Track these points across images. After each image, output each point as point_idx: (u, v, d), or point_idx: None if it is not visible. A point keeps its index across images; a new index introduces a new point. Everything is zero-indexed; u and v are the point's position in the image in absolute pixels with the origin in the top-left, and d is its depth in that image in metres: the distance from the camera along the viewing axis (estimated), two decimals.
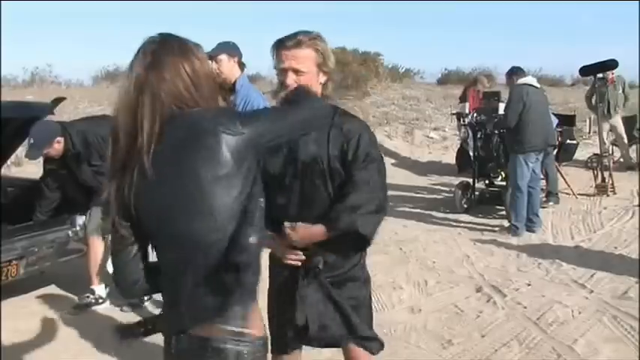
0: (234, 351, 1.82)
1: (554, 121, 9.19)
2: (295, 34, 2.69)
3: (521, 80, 7.82)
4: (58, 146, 5.16)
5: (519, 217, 7.68)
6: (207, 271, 1.78)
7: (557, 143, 7.99)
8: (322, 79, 2.74)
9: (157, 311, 5.04)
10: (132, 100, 1.81)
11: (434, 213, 8.94)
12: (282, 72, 2.67)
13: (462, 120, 9.89)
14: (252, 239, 1.80)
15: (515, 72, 7.98)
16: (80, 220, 5.57)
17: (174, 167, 1.77)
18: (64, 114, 12.50)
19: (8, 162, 6.81)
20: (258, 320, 1.91)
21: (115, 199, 1.83)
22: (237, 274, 1.77)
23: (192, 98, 1.84)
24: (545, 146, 7.83)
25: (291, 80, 2.64)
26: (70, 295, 5.69)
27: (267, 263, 2.86)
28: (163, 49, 1.85)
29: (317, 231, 2.67)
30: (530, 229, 7.74)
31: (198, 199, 1.75)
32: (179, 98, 1.82)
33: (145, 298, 5.25)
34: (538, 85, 7.95)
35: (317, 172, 2.73)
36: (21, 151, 8.41)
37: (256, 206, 1.84)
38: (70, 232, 5.52)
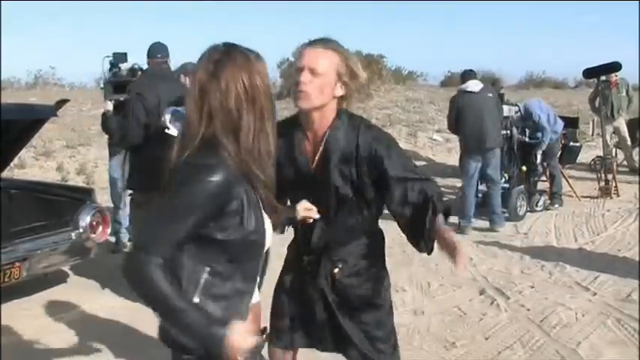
0: None
1: (559, 123, 9.19)
2: (326, 39, 2.62)
3: (461, 87, 8.24)
4: None
5: (464, 215, 8.03)
6: None
7: (496, 146, 7.99)
8: (339, 91, 2.60)
9: None
10: (196, 104, 1.90)
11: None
12: (298, 70, 2.56)
13: None
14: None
15: (462, 76, 8.41)
16: (83, 221, 5.57)
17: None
18: (67, 116, 12.56)
19: (11, 164, 6.81)
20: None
21: None
22: None
23: (236, 119, 1.89)
24: (478, 149, 7.96)
25: (305, 78, 2.52)
26: (73, 297, 5.69)
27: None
28: (226, 59, 1.90)
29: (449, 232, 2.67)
30: (491, 228, 8.03)
31: None
32: (226, 114, 1.88)
33: None
34: (477, 89, 7.98)
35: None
36: (23, 152, 8.45)
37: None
38: (73, 235, 5.52)
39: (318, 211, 2.67)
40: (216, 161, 1.85)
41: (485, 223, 8.26)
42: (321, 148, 2.65)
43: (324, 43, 2.59)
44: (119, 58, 6.25)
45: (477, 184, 8.36)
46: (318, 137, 2.66)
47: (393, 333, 2.92)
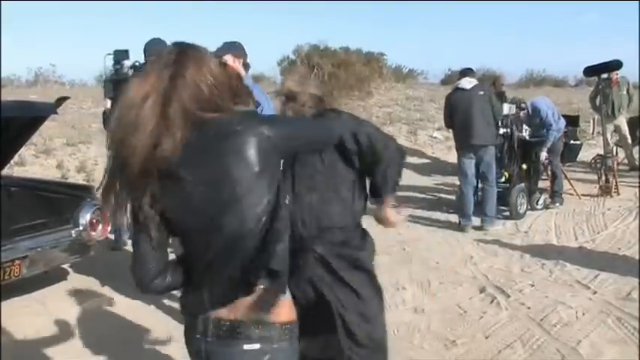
0: (256, 335, 1.89)
1: (562, 121, 9.20)
2: None
3: (456, 84, 8.37)
4: None
5: (463, 214, 8.08)
6: (235, 260, 1.87)
7: (487, 144, 8.01)
8: None
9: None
10: (156, 111, 1.83)
11: (437, 213, 8.92)
12: None
13: None
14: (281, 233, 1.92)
15: (459, 73, 8.53)
16: (83, 219, 5.56)
17: (206, 169, 1.85)
18: (67, 114, 12.55)
19: (11, 162, 6.81)
20: (286, 307, 1.96)
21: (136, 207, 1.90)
22: (266, 262, 1.88)
23: (216, 100, 1.90)
24: (469, 146, 8.01)
25: None
26: (73, 295, 5.69)
27: None
28: (184, 58, 1.90)
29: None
30: (481, 228, 8.04)
31: (231, 196, 1.84)
32: (205, 101, 1.88)
33: None
34: (468, 87, 8.03)
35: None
36: (24, 150, 8.44)
37: (281, 203, 1.93)
38: (73, 232, 5.51)
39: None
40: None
41: (500, 227, 8.22)
42: None
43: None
44: (121, 55, 6.24)
45: (477, 183, 8.36)
46: None
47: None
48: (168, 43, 2.02)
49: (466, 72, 8.37)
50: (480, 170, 8.14)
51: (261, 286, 1.89)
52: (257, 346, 1.88)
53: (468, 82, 8.08)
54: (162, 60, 1.91)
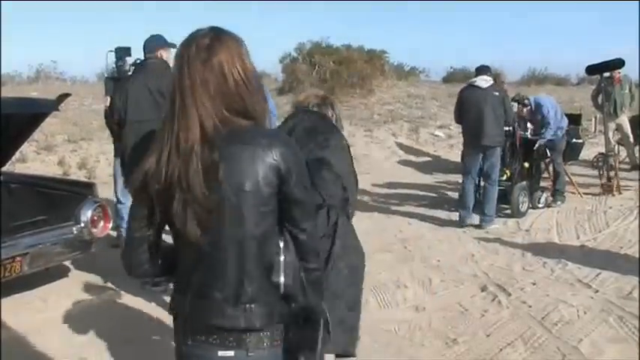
0: (231, 342, 1.87)
1: (565, 120, 9.19)
2: None
3: (471, 81, 8.34)
4: None
5: (464, 207, 8.14)
6: (222, 279, 1.86)
7: (495, 145, 8.00)
8: None
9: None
10: (187, 97, 1.82)
11: (439, 211, 8.91)
12: None
13: None
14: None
15: (476, 70, 8.42)
16: (85, 216, 5.56)
17: (221, 174, 1.80)
18: (68, 110, 12.56)
19: (13, 158, 6.80)
20: (264, 315, 1.92)
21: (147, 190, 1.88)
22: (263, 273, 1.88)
23: (241, 98, 1.86)
24: (477, 145, 8.01)
25: None
26: (74, 292, 5.69)
27: None
28: (218, 45, 1.86)
29: None
30: (479, 226, 8.05)
31: (236, 208, 1.82)
32: (230, 97, 1.84)
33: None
34: (484, 85, 7.99)
35: None
36: (26, 147, 8.44)
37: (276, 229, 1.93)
38: (74, 229, 5.51)
39: None
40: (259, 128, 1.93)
41: (497, 227, 8.21)
42: None
43: None
44: (122, 52, 6.23)
45: (478, 180, 8.35)
46: None
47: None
48: (169, 40, 2.00)
49: (483, 69, 8.25)
50: (483, 169, 8.13)
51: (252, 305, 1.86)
52: (231, 353, 1.86)
53: (484, 81, 8.02)
54: (197, 43, 1.87)
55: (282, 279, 1.87)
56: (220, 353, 1.86)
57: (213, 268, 1.86)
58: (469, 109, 8.02)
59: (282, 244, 1.90)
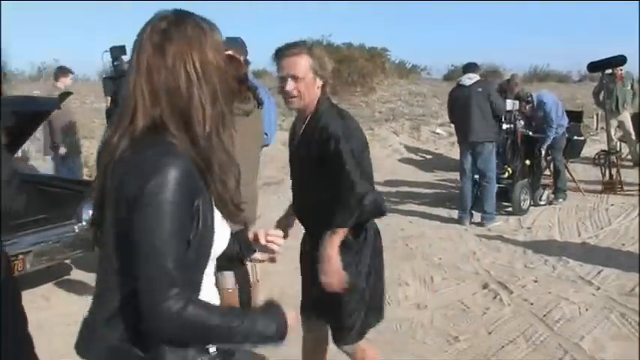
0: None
1: (566, 118, 9.18)
2: (293, 43, 3.00)
3: (458, 80, 8.50)
4: None
5: (463, 207, 8.19)
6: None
7: (483, 140, 8.03)
8: (318, 83, 3.00)
9: None
10: (131, 83, 1.63)
11: (440, 209, 8.92)
12: (281, 80, 2.99)
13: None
14: None
15: (463, 69, 8.59)
16: (86, 214, 5.56)
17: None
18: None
19: (15, 156, 6.81)
20: None
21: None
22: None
23: (189, 98, 1.62)
24: (466, 142, 8.11)
25: (291, 87, 2.94)
26: (75, 290, 5.69)
27: None
28: (175, 30, 1.63)
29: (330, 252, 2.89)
30: (481, 224, 8.08)
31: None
32: (175, 95, 1.61)
33: None
34: (468, 83, 8.07)
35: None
36: (27, 145, 8.44)
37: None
38: (76, 227, 5.52)
39: (298, 189, 3.21)
40: (167, 151, 1.57)
41: (499, 224, 8.21)
42: (301, 131, 3.08)
43: (294, 48, 2.96)
44: (117, 52, 6.23)
45: (473, 178, 8.34)
46: (302, 122, 3.09)
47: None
48: None
49: (469, 67, 8.38)
50: (476, 166, 8.16)
51: None
52: None
53: (468, 79, 8.11)
54: (152, 24, 1.65)
55: None
56: None
57: None
58: (456, 108, 8.18)
59: None
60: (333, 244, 2.87)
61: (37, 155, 10.63)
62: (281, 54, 2.96)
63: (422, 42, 55.12)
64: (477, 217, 8.15)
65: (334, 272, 2.88)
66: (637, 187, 9.74)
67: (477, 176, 8.24)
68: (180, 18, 1.66)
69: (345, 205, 2.86)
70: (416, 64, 24.46)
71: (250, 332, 1.64)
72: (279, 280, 5.03)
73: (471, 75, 8.17)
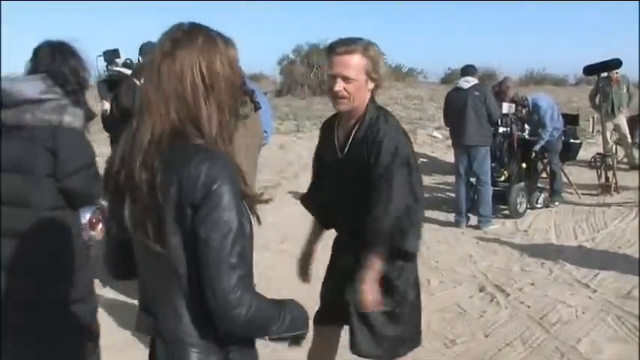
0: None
1: (561, 120, 9.20)
2: (348, 40, 2.78)
3: (455, 83, 8.60)
4: None
5: (458, 211, 8.22)
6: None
7: (477, 144, 8.07)
8: (370, 85, 2.83)
9: None
10: (149, 90, 1.69)
11: (437, 212, 8.92)
12: (331, 78, 2.79)
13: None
14: None
15: (461, 71, 8.56)
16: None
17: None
18: None
19: None
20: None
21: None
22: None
23: (196, 107, 1.67)
24: (461, 145, 8.14)
25: (340, 87, 2.76)
26: None
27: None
28: (185, 39, 1.68)
29: (373, 275, 2.75)
30: (478, 227, 8.08)
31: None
32: (183, 103, 1.66)
33: None
34: (465, 86, 8.08)
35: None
36: None
37: None
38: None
39: (342, 197, 2.96)
40: (213, 154, 1.64)
41: (495, 227, 8.22)
42: (351, 137, 2.89)
43: (348, 46, 2.75)
44: (110, 55, 6.24)
45: (468, 181, 8.36)
46: (350, 127, 2.91)
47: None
48: None
49: (467, 70, 8.35)
50: (471, 169, 8.18)
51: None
52: None
53: (466, 82, 8.11)
54: (168, 35, 1.71)
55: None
56: None
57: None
58: (452, 111, 8.18)
59: None
60: (375, 267, 2.75)
61: None
62: (333, 51, 2.77)
63: (419, 45, 55.23)
64: (474, 220, 8.16)
65: (372, 293, 2.75)
66: (632, 191, 9.77)
67: (472, 179, 8.25)
68: (193, 29, 1.71)
69: (382, 228, 2.73)
70: (412, 67, 24.56)
71: (293, 319, 1.76)
72: (277, 285, 5.04)
73: (469, 78, 8.16)
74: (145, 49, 5.72)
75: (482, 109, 7.95)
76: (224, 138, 1.72)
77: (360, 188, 2.83)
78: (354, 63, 2.74)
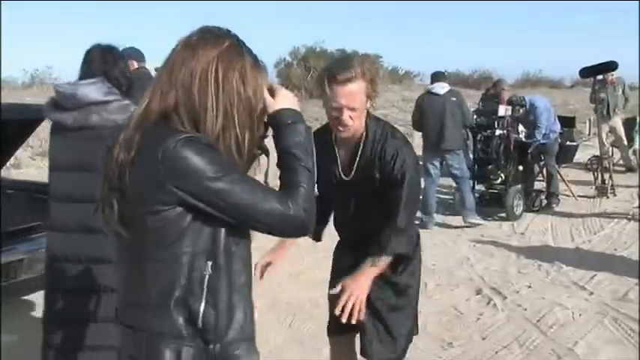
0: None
1: (557, 125, 9.23)
2: (347, 63, 2.70)
3: (429, 88, 8.61)
4: None
5: (426, 212, 8.24)
6: None
7: (455, 148, 8.21)
8: (369, 104, 2.80)
9: None
10: (156, 75, 1.73)
11: (433, 215, 8.92)
12: (335, 109, 2.71)
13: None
14: None
15: (431, 77, 8.75)
16: None
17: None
18: None
19: (8, 164, 6.79)
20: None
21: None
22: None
23: (197, 104, 1.65)
24: (438, 149, 8.24)
25: (347, 118, 2.70)
26: None
27: None
28: (212, 38, 1.69)
29: (370, 274, 2.76)
30: (474, 230, 8.14)
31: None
32: (187, 93, 1.65)
33: None
34: (441, 92, 8.25)
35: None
36: (20, 152, 8.43)
37: None
38: None
39: (348, 213, 2.98)
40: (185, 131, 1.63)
41: (482, 222, 8.26)
42: (357, 157, 2.85)
43: (350, 77, 2.64)
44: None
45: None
46: (353, 145, 2.87)
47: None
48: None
49: (439, 76, 8.60)
50: (451, 172, 8.39)
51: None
52: None
53: (440, 88, 8.32)
54: (192, 34, 1.71)
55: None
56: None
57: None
58: (429, 116, 8.25)
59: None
60: (380, 267, 2.78)
61: (29, 162, 10.62)
62: (335, 80, 2.64)
63: (415, 48, 55.31)
64: (472, 223, 8.16)
65: (363, 289, 2.73)
66: (629, 192, 9.80)
67: (437, 182, 8.52)
68: (223, 35, 1.71)
69: (397, 234, 2.79)
70: (409, 70, 24.60)
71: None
72: (270, 286, 5.04)
73: (442, 84, 8.36)
74: (137, 54, 5.87)
75: (458, 113, 8.18)
76: (225, 136, 1.68)
77: (371, 204, 2.86)
78: (358, 90, 2.67)
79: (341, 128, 2.75)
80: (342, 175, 2.89)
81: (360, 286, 2.71)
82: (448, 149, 8.17)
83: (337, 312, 2.68)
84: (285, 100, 1.80)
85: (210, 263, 1.65)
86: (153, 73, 5.56)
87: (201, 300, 1.65)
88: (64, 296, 3.09)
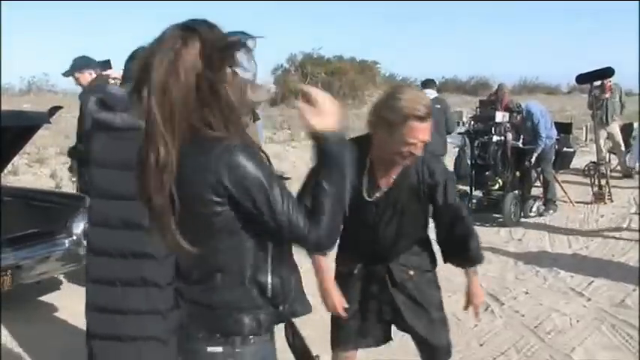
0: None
1: (553, 131, 9.25)
2: (425, 100, 2.76)
3: None
4: None
5: None
6: None
7: (440, 154, 8.26)
8: None
9: None
10: (149, 106, 1.70)
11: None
12: (409, 143, 2.73)
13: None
14: None
15: (421, 84, 8.97)
16: (77, 228, 5.54)
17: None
18: (60, 123, 12.51)
19: (5, 171, 6.79)
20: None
21: None
22: None
23: (212, 114, 1.72)
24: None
25: (418, 150, 2.78)
26: (66, 304, 5.66)
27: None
28: (189, 42, 1.69)
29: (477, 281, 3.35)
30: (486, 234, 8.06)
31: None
32: (189, 112, 1.70)
33: None
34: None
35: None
36: (18, 159, 8.42)
37: None
38: (66, 242, 5.49)
39: (371, 235, 3.08)
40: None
41: (479, 229, 8.19)
42: (396, 176, 2.94)
43: (429, 113, 2.72)
44: (102, 66, 6.26)
45: (472, 191, 8.39)
46: (393, 169, 2.93)
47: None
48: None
49: (428, 84, 8.74)
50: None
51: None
52: (219, 349, 1.87)
53: (428, 95, 8.28)
54: (171, 34, 1.72)
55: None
56: (209, 349, 1.88)
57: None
58: None
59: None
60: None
61: (26, 169, 10.61)
62: (417, 117, 2.69)
63: (412, 54, 55.44)
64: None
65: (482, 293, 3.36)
66: (626, 198, 9.82)
67: None
68: (191, 32, 1.72)
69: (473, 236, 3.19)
70: (406, 76, 24.65)
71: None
72: None
73: (429, 91, 8.36)
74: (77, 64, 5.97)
75: (442, 120, 8.21)
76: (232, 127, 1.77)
77: (405, 222, 3.14)
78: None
79: (409, 156, 2.80)
80: (366, 196, 2.91)
81: (481, 293, 3.45)
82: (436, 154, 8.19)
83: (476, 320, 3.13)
84: (327, 116, 1.84)
85: (270, 243, 1.85)
86: None
87: (267, 273, 1.85)
88: (105, 288, 3.22)
